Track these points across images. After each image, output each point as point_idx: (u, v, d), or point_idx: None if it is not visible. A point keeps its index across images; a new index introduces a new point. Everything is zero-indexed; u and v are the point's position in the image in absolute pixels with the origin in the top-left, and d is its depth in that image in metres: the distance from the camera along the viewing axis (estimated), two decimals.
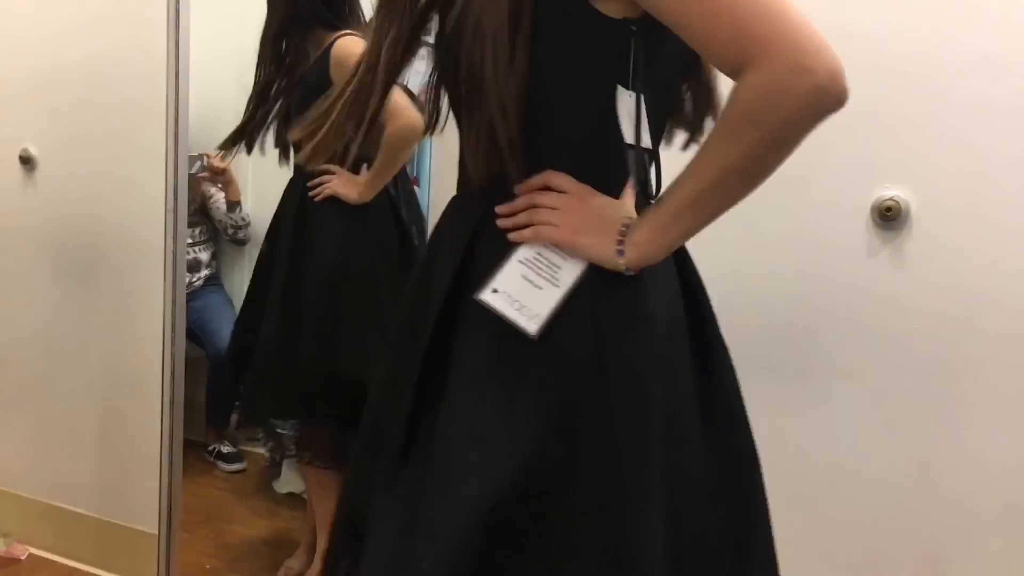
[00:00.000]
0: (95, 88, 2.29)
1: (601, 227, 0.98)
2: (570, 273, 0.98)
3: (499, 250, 1.00)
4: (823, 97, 0.86)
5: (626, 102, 0.98)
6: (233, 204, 2.86)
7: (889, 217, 1.66)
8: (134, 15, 2.15)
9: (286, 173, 2.26)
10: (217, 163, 2.77)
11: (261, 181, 2.73)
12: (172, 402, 2.11)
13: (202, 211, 2.90)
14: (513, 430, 0.95)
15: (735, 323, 1.75)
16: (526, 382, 0.96)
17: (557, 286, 0.97)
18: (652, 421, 0.98)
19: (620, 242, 0.97)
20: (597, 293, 0.98)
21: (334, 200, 2.16)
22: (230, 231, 2.88)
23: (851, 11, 1.67)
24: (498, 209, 1.01)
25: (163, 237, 2.02)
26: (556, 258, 0.99)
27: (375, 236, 2.20)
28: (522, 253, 0.99)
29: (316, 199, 2.17)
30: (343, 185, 2.18)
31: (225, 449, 2.89)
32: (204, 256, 2.92)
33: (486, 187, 1.00)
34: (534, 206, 0.99)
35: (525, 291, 0.97)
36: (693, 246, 1.08)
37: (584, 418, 0.96)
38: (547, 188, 1.00)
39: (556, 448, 0.95)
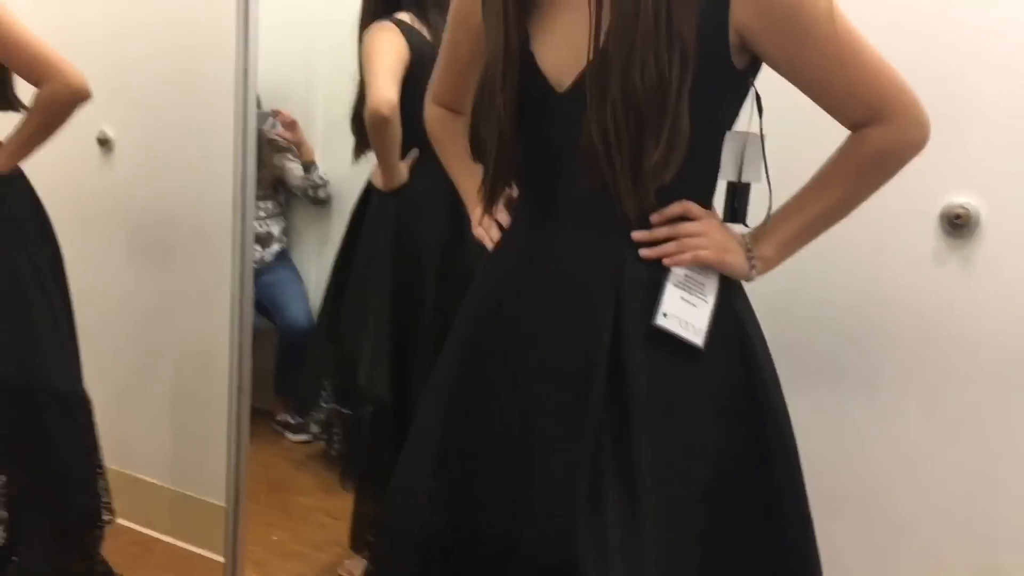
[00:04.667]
0: (166, 67, 2.35)
1: (735, 246, 1.16)
2: (711, 288, 1.14)
3: (646, 277, 1.10)
4: (926, 143, 1.13)
5: (733, 143, 1.14)
6: (308, 165, 2.88)
7: (958, 224, 1.62)
8: None
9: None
10: (287, 116, 2.79)
11: (332, 144, 2.74)
12: (240, 379, 2.17)
13: (276, 185, 2.94)
14: (707, 431, 1.12)
15: (795, 324, 1.75)
16: (699, 388, 1.12)
17: (706, 301, 1.12)
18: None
19: (751, 257, 1.17)
20: (732, 302, 1.16)
21: None
22: (310, 192, 2.90)
23: (923, 9, 1.62)
24: (637, 237, 1.11)
25: (230, 213, 2.07)
26: (700, 277, 1.13)
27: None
28: (675, 277, 1.11)
29: None
30: None
31: (292, 420, 2.98)
32: (275, 230, 2.98)
33: (618, 220, 1.08)
34: (675, 235, 1.11)
35: (685, 310, 1.10)
36: None
37: (757, 405, 1.15)
38: (682, 217, 1.12)
39: (745, 437, 1.14)
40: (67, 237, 2.03)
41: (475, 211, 1.33)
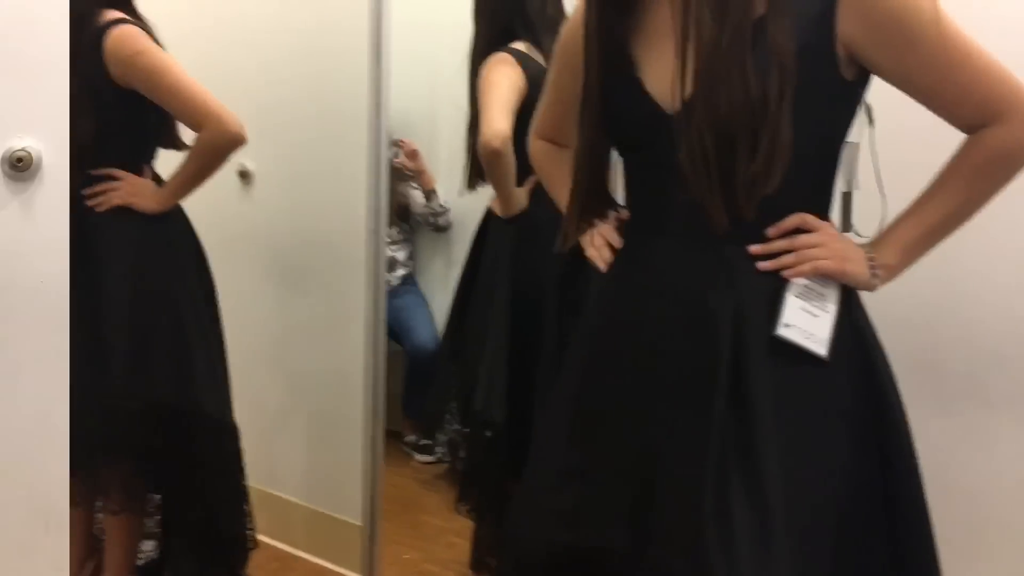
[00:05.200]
0: (303, 104, 2.46)
1: (855, 256, 1.15)
2: (832, 298, 1.14)
3: (765, 288, 1.11)
4: None
5: (849, 153, 1.16)
6: (429, 193, 2.96)
7: None
8: (336, 30, 2.31)
9: None
10: (409, 145, 2.87)
11: (456, 171, 2.82)
12: (375, 401, 2.23)
13: (400, 212, 3.03)
14: (834, 441, 1.11)
15: (938, 343, 1.70)
16: (824, 398, 1.11)
17: (827, 311, 1.12)
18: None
19: (873, 266, 1.15)
20: (851, 312, 1.16)
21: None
22: (431, 220, 2.98)
23: None
24: (754, 250, 1.11)
25: (364, 241, 2.15)
26: (820, 287, 1.13)
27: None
28: (796, 288, 1.11)
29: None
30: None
31: (420, 440, 3.03)
32: (401, 255, 3.05)
33: (731, 234, 1.09)
34: (793, 247, 1.12)
35: (807, 321, 1.10)
36: None
37: (879, 416, 1.14)
38: (799, 229, 1.12)
39: (869, 447, 1.12)
40: (210, 264, 2.14)
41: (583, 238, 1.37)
